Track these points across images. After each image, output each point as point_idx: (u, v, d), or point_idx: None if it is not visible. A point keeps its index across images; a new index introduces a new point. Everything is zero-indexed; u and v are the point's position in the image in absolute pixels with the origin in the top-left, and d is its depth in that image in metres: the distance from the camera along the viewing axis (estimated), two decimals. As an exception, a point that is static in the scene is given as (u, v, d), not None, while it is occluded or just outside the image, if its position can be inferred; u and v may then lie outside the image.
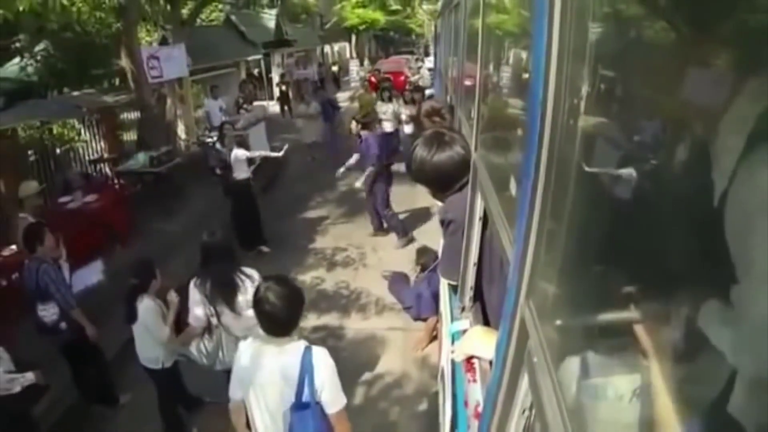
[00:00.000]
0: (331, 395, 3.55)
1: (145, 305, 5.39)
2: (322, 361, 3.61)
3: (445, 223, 3.23)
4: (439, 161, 3.15)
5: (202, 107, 18.24)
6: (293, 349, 3.62)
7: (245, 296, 4.96)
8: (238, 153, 10.01)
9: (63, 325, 5.93)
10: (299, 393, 3.50)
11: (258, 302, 3.61)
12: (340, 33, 42.27)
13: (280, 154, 11.63)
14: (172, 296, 5.55)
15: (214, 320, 5.14)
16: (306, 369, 3.53)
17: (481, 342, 2.70)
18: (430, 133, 3.28)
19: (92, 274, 7.16)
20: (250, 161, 10.48)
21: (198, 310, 5.12)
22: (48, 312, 5.87)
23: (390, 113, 15.33)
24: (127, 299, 5.44)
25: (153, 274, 5.52)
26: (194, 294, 5.13)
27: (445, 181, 3.19)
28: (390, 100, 15.35)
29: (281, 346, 3.63)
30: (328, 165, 16.71)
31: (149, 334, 5.43)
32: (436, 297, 5.40)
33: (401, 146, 14.29)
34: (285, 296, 3.59)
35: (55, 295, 5.85)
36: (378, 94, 16.23)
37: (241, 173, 10.13)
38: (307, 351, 3.61)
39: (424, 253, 7.31)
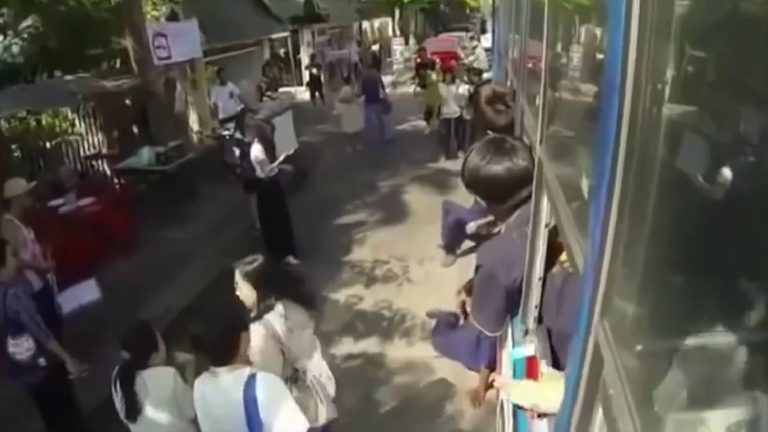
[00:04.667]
0: (283, 426, 3.65)
1: (158, 380, 4.64)
2: (267, 390, 3.69)
3: (475, 267, 3.40)
4: (493, 172, 3.27)
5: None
6: (236, 379, 3.73)
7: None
8: (258, 152, 10.09)
9: (41, 361, 5.66)
10: (251, 429, 3.64)
11: (194, 338, 3.74)
12: (381, 7, 42.30)
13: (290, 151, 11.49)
14: (186, 358, 5.18)
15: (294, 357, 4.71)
16: (249, 402, 3.63)
17: (541, 397, 2.72)
18: (489, 139, 3.37)
19: (85, 292, 7.16)
20: (273, 155, 10.53)
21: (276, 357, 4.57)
22: (21, 347, 5.56)
23: (452, 96, 15.54)
24: (122, 384, 4.64)
25: (153, 342, 4.78)
26: (264, 340, 4.44)
27: (499, 194, 3.32)
28: (453, 81, 15.66)
29: (225, 376, 3.76)
30: (370, 159, 16.79)
31: (176, 409, 4.65)
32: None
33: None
34: (212, 317, 3.77)
35: (28, 325, 5.53)
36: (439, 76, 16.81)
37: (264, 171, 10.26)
38: (251, 381, 3.69)
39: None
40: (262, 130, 10.50)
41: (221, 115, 16.74)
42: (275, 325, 4.49)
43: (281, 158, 10.50)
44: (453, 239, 9.87)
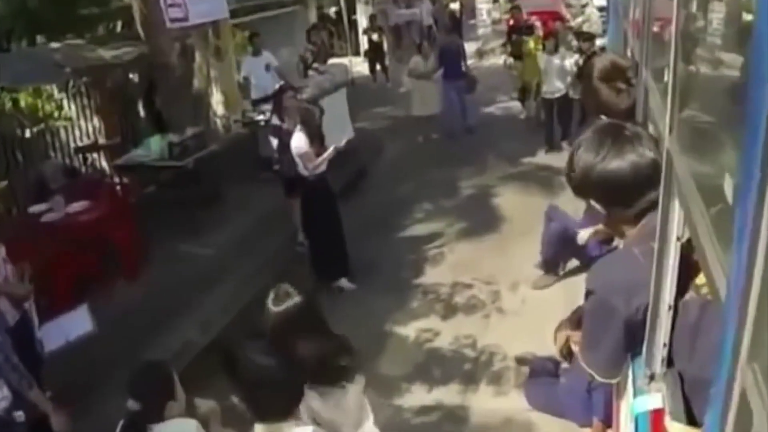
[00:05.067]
0: None
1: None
2: None
3: (585, 293, 3.38)
4: (614, 168, 3.24)
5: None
6: None
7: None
8: (300, 143, 10.04)
9: (19, 414, 5.50)
10: None
11: (241, 373, 3.66)
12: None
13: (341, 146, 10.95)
14: (210, 407, 5.21)
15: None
16: None
17: None
18: (602, 126, 3.33)
19: (75, 324, 7.10)
20: (321, 147, 10.37)
21: None
22: None
23: (555, 70, 15.46)
24: None
25: (169, 388, 4.74)
26: None
27: (623, 197, 3.28)
28: (556, 49, 15.58)
29: None
30: (448, 152, 16.77)
31: None
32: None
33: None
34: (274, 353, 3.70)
35: (3, 368, 5.42)
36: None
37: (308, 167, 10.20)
38: None
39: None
40: (307, 114, 10.41)
41: (254, 95, 16.46)
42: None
43: (331, 150, 10.35)
44: (555, 254, 9.82)
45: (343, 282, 10.52)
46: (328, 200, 10.62)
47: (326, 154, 10.31)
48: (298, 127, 10.20)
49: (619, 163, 3.20)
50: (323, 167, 10.34)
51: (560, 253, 9.70)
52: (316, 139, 10.23)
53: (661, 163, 3.05)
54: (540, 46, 16.64)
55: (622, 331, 3.20)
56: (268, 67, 16.59)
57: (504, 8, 34.29)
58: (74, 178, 12.13)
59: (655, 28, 4.05)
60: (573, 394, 6.14)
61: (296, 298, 4.39)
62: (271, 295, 4.42)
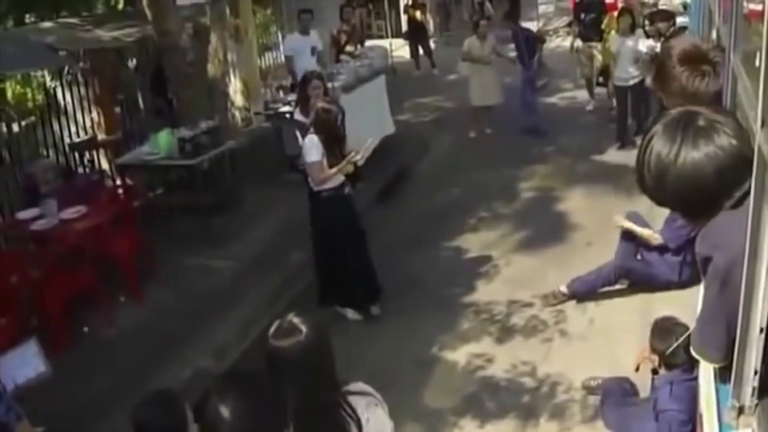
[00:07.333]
0: None
1: None
2: None
3: (700, 262, 3.23)
4: (690, 166, 3.03)
5: (273, 49, 17.52)
6: None
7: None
8: (310, 150, 9.45)
9: None
10: None
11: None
12: None
13: (358, 158, 10.00)
14: None
15: None
16: None
17: None
18: (674, 116, 3.21)
19: (23, 362, 6.53)
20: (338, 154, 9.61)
21: None
22: None
23: (629, 53, 15.39)
24: None
25: (181, 424, 4.61)
26: None
27: (704, 199, 3.10)
28: (632, 30, 15.63)
29: None
30: (504, 148, 16.74)
31: None
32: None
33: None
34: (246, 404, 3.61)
35: None
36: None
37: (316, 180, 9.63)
38: None
39: (667, 332, 6.66)
40: (323, 114, 9.58)
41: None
42: None
43: (343, 162, 9.56)
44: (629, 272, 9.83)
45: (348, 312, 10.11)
46: (345, 225, 10.03)
47: (340, 166, 9.62)
48: (311, 129, 9.62)
49: (695, 156, 2.99)
50: (337, 181, 9.73)
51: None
52: (333, 145, 9.57)
53: (745, 151, 2.95)
54: (615, 26, 16.46)
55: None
56: (313, 51, 16.41)
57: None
58: (69, 180, 12.15)
59: (747, 5, 4.04)
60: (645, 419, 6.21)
61: (303, 335, 4.08)
62: (274, 327, 4.20)
